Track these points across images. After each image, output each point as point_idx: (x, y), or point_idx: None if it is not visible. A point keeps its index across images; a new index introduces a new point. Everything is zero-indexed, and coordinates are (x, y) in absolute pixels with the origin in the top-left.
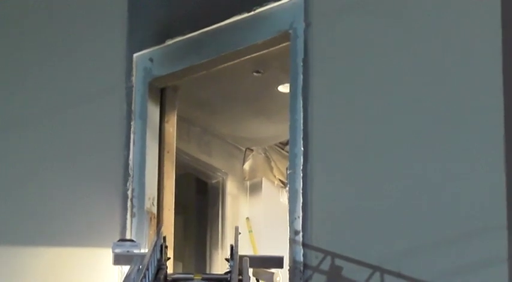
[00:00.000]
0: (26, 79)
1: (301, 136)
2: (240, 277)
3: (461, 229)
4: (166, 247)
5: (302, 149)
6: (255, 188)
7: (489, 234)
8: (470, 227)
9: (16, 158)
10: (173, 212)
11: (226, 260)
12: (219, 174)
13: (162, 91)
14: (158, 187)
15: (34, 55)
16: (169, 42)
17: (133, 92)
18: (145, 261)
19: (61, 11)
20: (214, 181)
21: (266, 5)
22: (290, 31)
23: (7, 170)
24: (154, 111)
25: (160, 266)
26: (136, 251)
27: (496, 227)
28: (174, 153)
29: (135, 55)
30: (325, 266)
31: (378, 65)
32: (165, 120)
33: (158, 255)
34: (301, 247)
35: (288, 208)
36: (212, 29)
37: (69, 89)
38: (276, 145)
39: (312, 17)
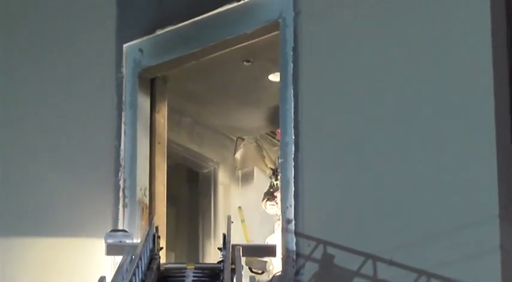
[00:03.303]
0: (17, 74)
1: (292, 125)
2: (233, 266)
3: (454, 218)
4: (158, 237)
5: (293, 137)
6: (246, 178)
7: (481, 223)
8: (462, 217)
9: (7, 151)
10: (165, 202)
11: (219, 249)
12: (211, 164)
13: (152, 82)
14: (150, 177)
15: (25, 49)
16: (159, 32)
17: (124, 83)
18: (138, 251)
19: (50, 3)
20: (205, 171)
21: None
22: (279, 20)
23: None
24: (144, 102)
25: (153, 256)
26: (128, 241)
27: (488, 216)
28: (166, 144)
29: (125, 46)
30: (318, 254)
31: (368, 54)
32: (156, 110)
33: (151, 245)
34: (293, 236)
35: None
36: (202, 19)
37: (60, 81)
38: (267, 134)
39: (301, 6)
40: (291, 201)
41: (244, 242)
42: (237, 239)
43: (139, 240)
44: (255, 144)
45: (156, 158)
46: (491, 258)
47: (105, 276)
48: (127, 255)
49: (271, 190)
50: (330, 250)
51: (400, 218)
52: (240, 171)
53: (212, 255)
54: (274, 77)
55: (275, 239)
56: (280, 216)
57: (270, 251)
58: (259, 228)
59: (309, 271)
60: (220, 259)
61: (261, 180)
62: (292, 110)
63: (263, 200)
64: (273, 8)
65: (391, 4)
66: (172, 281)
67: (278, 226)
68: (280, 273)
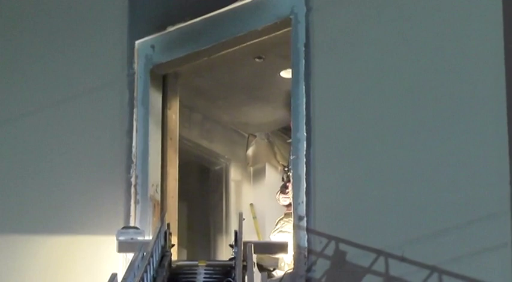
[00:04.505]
0: (29, 69)
1: (304, 121)
2: (245, 263)
3: (465, 214)
4: (170, 234)
5: (305, 134)
6: (258, 174)
7: (492, 219)
8: (473, 212)
9: (19, 147)
10: (177, 199)
11: (231, 246)
12: (222, 160)
13: (164, 78)
14: (161, 174)
15: (36, 46)
16: (171, 29)
17: (136, 79)
18: (150, 248)
19: (62, 0)
20: (217, 167)
21: None
22: (291, 16)
23: (10, 160)
24: (156, 98)
25: (165, 253)
26: (140, 238)
27: (499, 212)
28: (177, 140)
29: (137, 42)
30: (330, 251)
31: (379, 50)
32: (167, 107)
33: (162, 242)
34: (305, 232)
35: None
36: (213, 16)
37: (72, 78)
38: (279, 130)
39: (313, 2)
40: (303, 197)
41: (256, 239)
42: (249, 236)
43: (151, 237)
44: (266, 140)
45: (168, 154)
46: (502, 254)
47: (116, 274)
48: (139, 252)
49: (283, 182)
50: (342, 247)
51: (412, 214)
52: (251, 168)
53: (224, 252)
54: (286, 74)
55: (278, 236)
56: (292, 213)
57: (281, 248)
58: (271, 225)
59: (321, 268)
60: (232, 256)
61: (273, 177)
62: (304, 106)
63: (277, 192)
64: (284, 4)
65: (404, 1)
66: (184, 278)
67: (281, 225)
68: (291, 270)
